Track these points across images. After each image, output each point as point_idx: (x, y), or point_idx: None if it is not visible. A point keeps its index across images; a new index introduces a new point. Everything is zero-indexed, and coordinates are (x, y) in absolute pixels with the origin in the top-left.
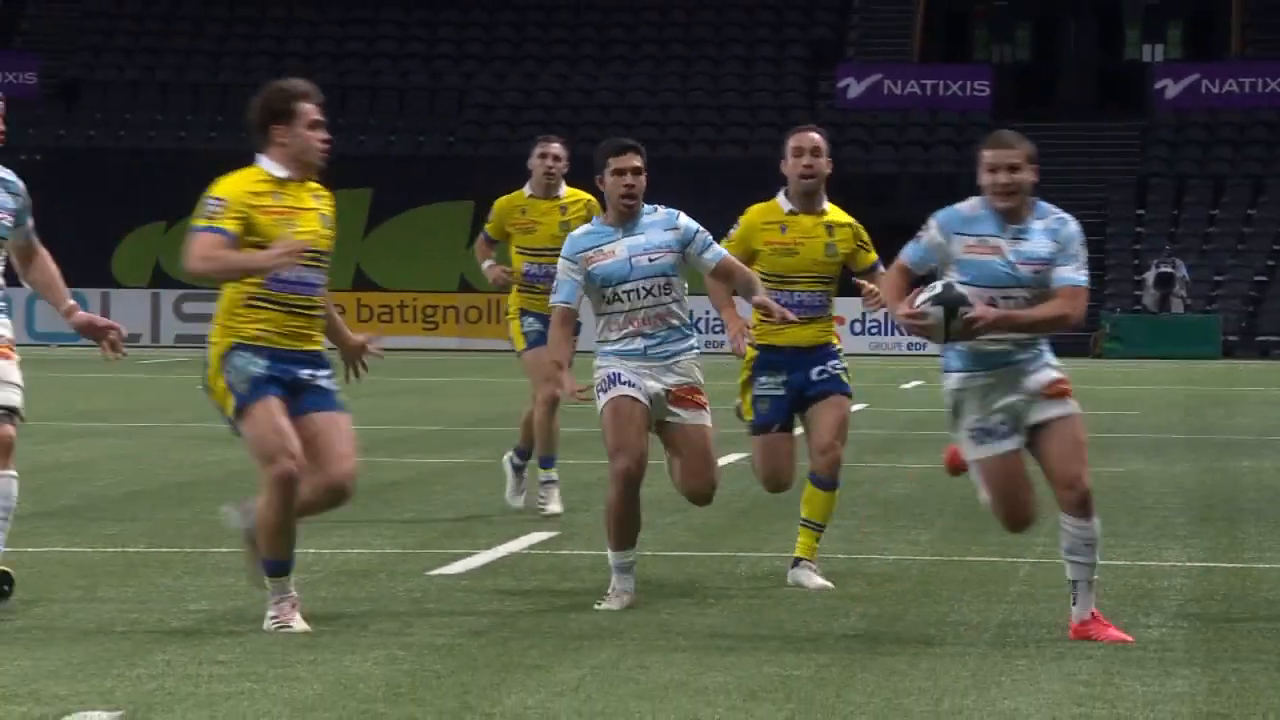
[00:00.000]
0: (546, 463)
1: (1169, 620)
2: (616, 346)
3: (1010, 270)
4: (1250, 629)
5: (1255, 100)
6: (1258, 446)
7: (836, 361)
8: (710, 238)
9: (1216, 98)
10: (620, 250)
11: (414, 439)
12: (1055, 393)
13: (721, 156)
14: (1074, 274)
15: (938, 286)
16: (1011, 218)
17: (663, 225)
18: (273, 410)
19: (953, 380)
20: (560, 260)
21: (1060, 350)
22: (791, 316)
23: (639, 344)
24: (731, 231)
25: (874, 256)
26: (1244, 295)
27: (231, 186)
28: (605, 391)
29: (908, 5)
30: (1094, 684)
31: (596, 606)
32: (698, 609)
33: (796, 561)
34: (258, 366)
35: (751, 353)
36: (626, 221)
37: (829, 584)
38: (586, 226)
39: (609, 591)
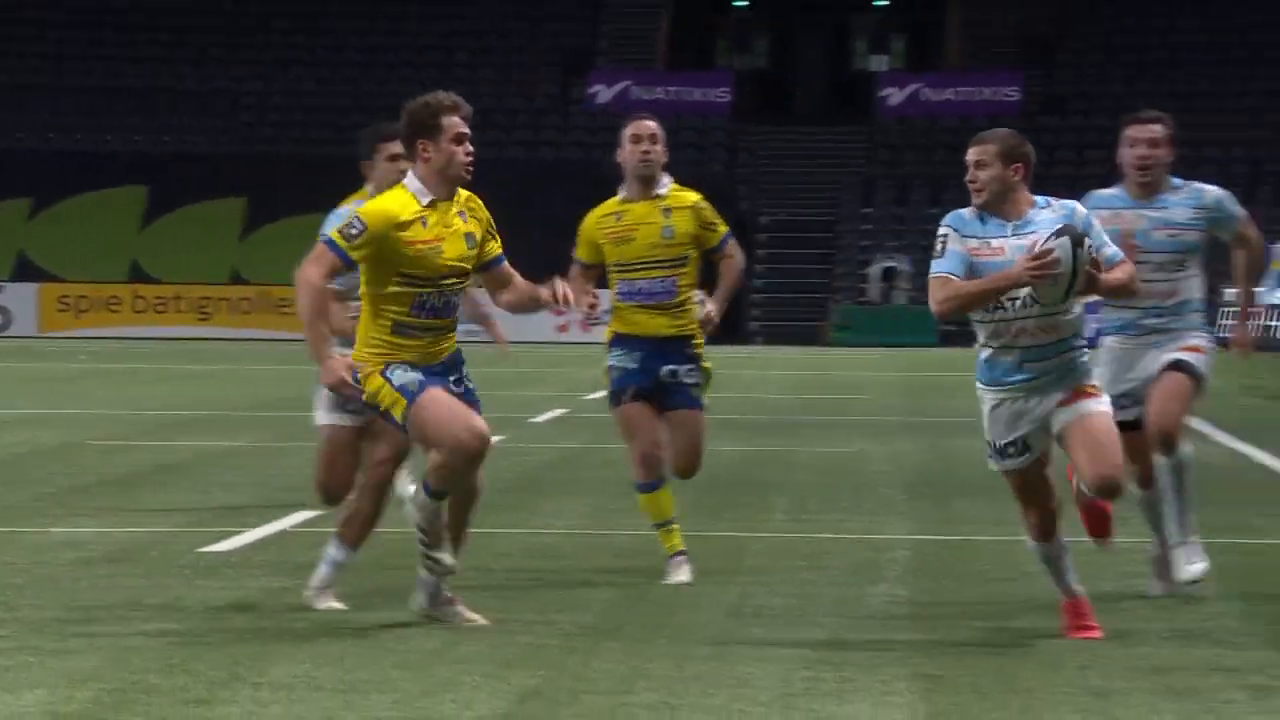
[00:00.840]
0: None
1: (891, 589)
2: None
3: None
4: (963, 596)
5: (970, 108)
6: (972, 428)
7: (691, 366)
8: None
9: (935, 105)
10: None
11: (188, 424)
12: (1075, 397)
13: (479, 158)
14: (1114, 250)
15: (1057, 225)
16: (1003, 214)
17: None
18: (443, 395)
19: (980, 392)
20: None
21: (792, 338)
22: (508, 350)
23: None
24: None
25: (723, 230)
26: None
27: (380, 217)
28: (330, 413)
29: (653, 16)
30: (821, 649)
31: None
32: (457, 583)
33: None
34: (417, 371)
35: (609, 334)
36: None
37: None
38: (353, 207)
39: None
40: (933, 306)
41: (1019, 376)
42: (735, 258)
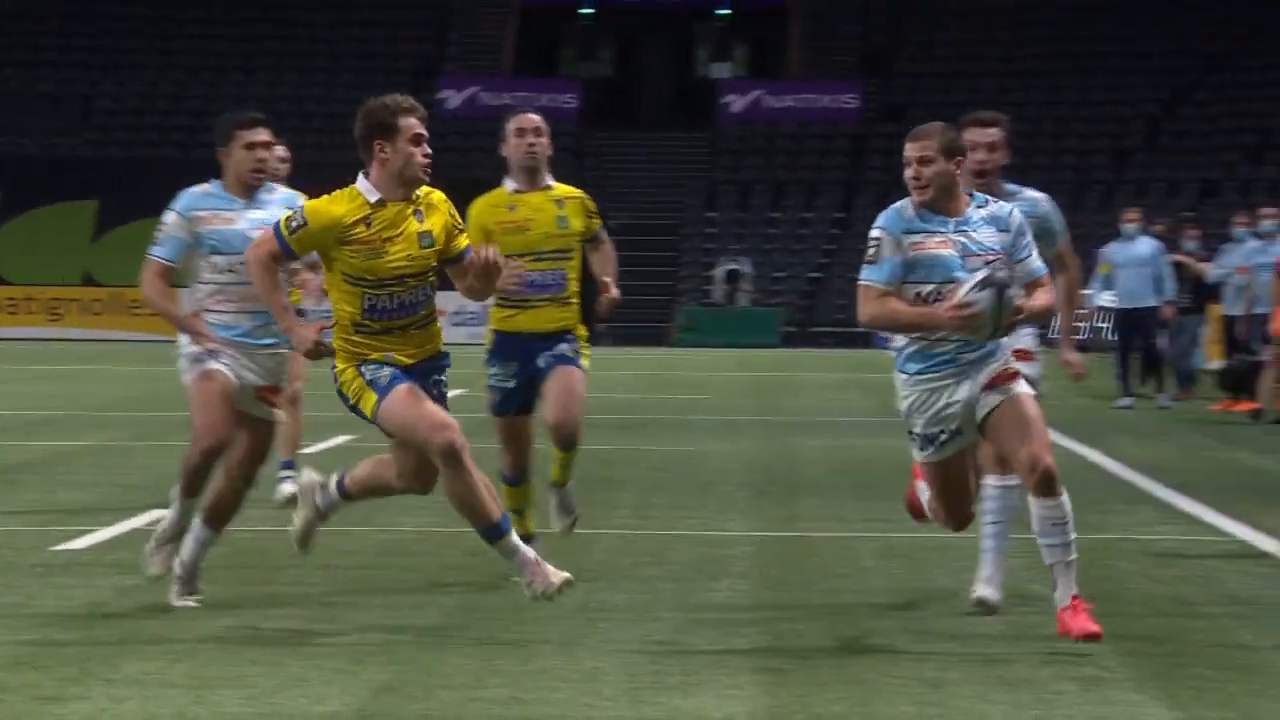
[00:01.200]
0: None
1: (734, 584)
2: (221, 321)
3: (961, 264)
4: (805, 591)
5: (809, 115)
6: (813, 426)
7: (567, 345)
8: None
9: (776, 112)
10: (240, 220)
11: (41, 423)
12: (999, 380)
13: (335, 160)
14: (1040, 263)
15: (978, 274)
16: (945, 210)
17: (282, 203)
18: (419, 397)
19: (902, 383)
20: (170, 214)
21: (638, 339)
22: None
23: (246, 324)
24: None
25: (599, 220)
26: (801, 290)
27: (322, 216)
28: (197, 363)
29: (501, 24)
30: (666, 644)
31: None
32: (307, 579)
33: (554, 485)
34: (390, 368)
35: (490, 336)
36: (250, 194)
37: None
38: (205, 187)
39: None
40: (860, 314)
41: (953, 366)
42: (608, 243)
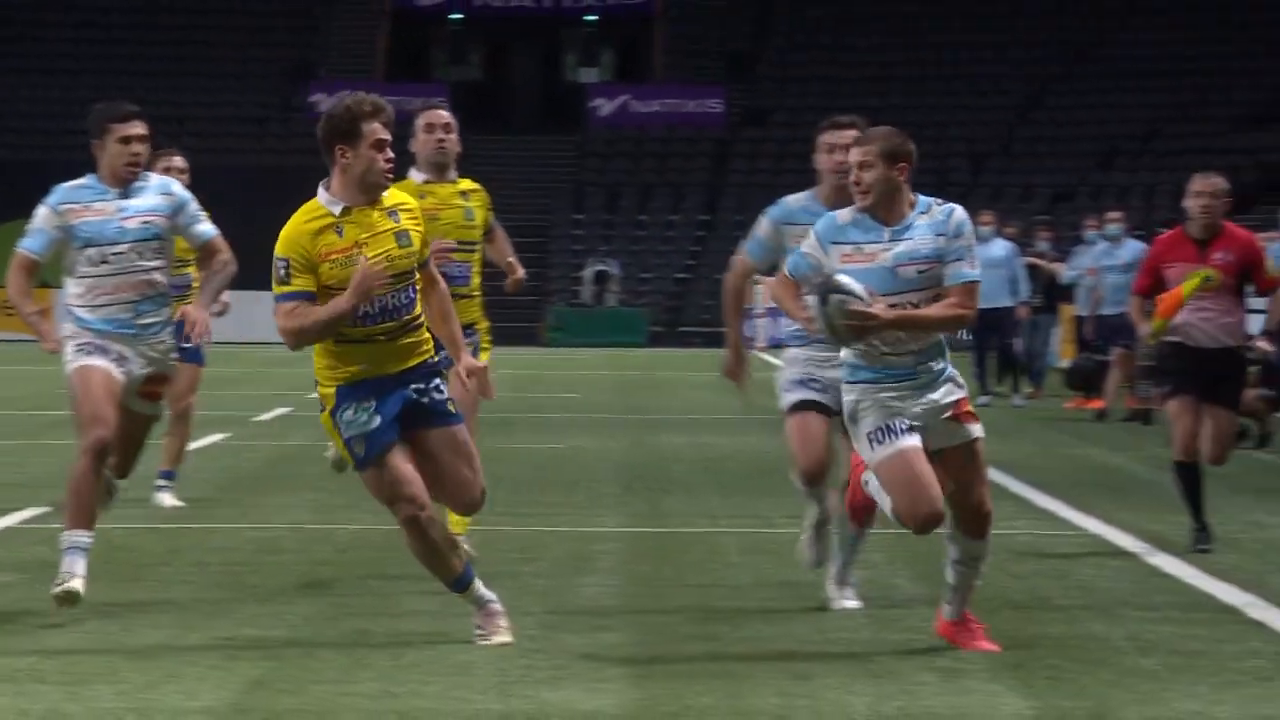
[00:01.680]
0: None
1: (603, 580)
2: (101, 315)
3: (893, 275)
4: (673, 586)
5: (675, 119)
6: (680, 424)
7: (467, 341)
8: (203, 214)
9: (643, 116)
10: (111, 209)
11: None
12: (960, 415)
13: (206, 164)
14: (969, 269)
15: (816, 280)
16: (884, 217)
17: (156, 190)
18: (391, 465)
19: (850, 391)
20: (42, 208)
21: (509, 339)
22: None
23: (125, 314)
24: None
25: (493, 214)
26: (668, 291)
27: (290, 240)
28: (79, 356)
29: (372, 28)
30: (538, 639)
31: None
32: (181, 576)
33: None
34: (366, 414)
35: None
36: (124, 185)
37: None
38: (81, 181)
39: (65, 574)
40: (771, 289)
41: (913, 379)
42: (501, 230)
